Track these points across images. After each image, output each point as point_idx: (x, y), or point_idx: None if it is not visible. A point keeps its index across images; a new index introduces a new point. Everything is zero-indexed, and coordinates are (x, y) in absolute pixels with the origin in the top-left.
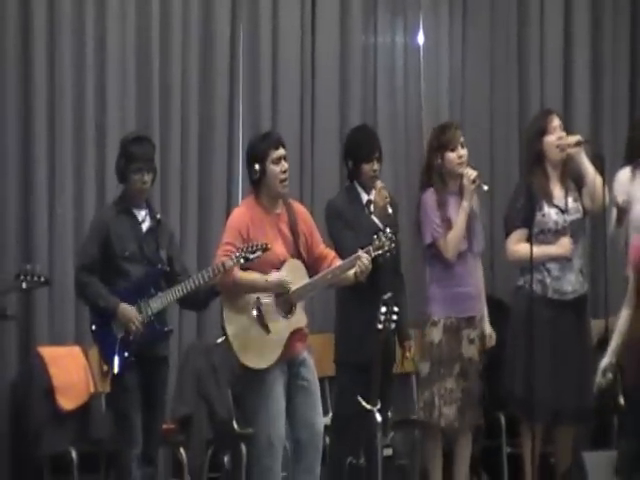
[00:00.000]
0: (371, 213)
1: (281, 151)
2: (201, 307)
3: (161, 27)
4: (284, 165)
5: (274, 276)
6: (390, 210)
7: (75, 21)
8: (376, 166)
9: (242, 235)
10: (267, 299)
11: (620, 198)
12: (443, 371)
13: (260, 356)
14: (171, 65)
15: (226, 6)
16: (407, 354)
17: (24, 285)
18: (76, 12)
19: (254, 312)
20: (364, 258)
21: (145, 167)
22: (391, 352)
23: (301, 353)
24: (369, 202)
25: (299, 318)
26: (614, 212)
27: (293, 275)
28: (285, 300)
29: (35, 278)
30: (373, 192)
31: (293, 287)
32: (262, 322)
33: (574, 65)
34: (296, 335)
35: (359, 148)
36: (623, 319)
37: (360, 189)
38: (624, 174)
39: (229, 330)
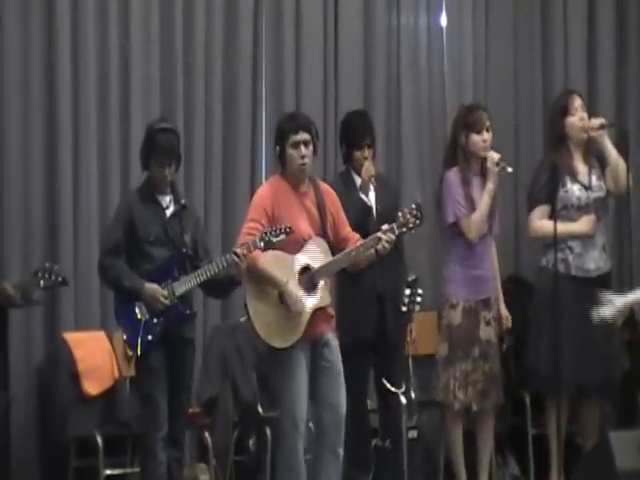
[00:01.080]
0: (360, 192)
1: (301, 136)
2: (223, 295)
3: (184, 12)
4: (302, 150)
5: (293, 290)
6: (374, 184)
7: (99, 6)
8: (367, 153)
9: (267, 212)
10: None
11: None
12: (461, 353)
13: (282, 335)
14: (195, 50)
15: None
16: (409, 337)
17: (42, 283)
18: None
19: (277, 293)
20: (386, 236)
21: (167, 160)
22: (406, 333)
23: (325, 334)
24: (361, 185)
25: (322, 296)
26: None
27: (317, 253)
28: (309, 278)
29: (53, 277)
30: (363, 171)
31: (317, 265)
32: (283, 301)
33: (598, 45)
34: (320, 315)
35: (351, 135)
36: None
37: (354, 173)
38: None
39: (251, 309)
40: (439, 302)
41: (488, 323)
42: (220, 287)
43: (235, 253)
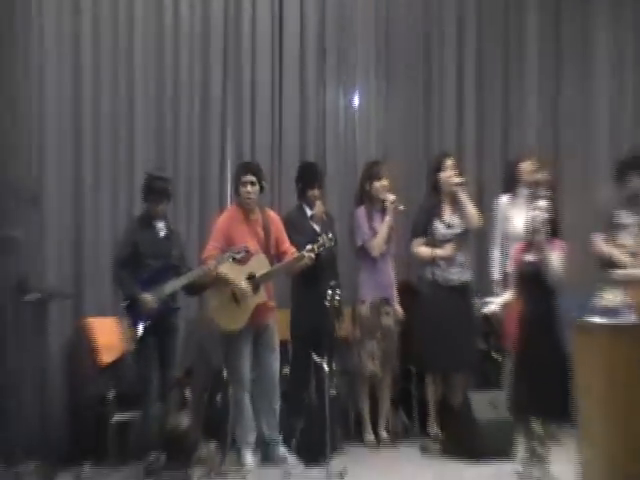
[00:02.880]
0: (311, 221)
1: (248, 177)
2: (197, 294)
3: (151, 71)
4: (248, 188)
5: (244, 286)
6: (325, 218)
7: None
8: (317, 192)
9: (225, 235)
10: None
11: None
12: (368, 336)
13: (232, 322)
14: (180, 117)
15: (218, 70)
16: (342, 324)
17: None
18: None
19: (230, 292)
20: (310, 252)
21: (160, 199)
22: (333, 322)
23: (266, 320)
24: (312, 215)
25: (262, 295)
26: (498, 228)
27: (258, 265)
28: (254, 282)
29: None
30: (314, 208)
31: (259, 274)
32: (235, 297)
33: (465, 118)
34: (262, 307)
35: (305, 178)
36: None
37: (306, 206)
38: (503, 200)
39: (211, 304)
40: (353, 300)
41: (388, 314)
42: (195, 289)
43: (209, 266)
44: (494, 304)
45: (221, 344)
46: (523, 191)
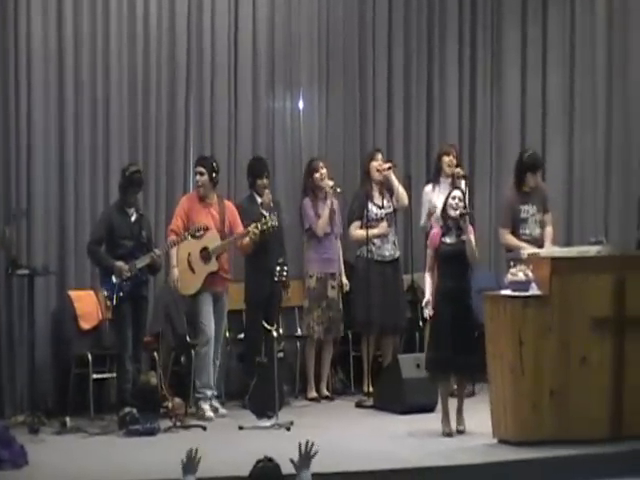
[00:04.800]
0: (261, 208)
1: (198, 169)
2: (156, 273)
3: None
4: (197, 177)
5: (175, 274)
6: (272, 205)
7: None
8: (265, 181)
9: (182, 218)
10: (195, 255)
11: (429, 205)
12: (315, 305)
13: (190, 286)
14: (150, 114)
15: (182, 78)
16: (288, 295)
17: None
18: None
19: (186, 262)
20: (254, 228)
21: (138, 190)
22: (281, 294)
23: (218, 290)
24: (261, 203)
25: (213, 264)
26: (425, 211)
27: (211, 240)
28: (206, 254)
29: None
30: (263, 197)
31: (211, 247)
32: (191, 267)
33: (394, 119)
34: (216, 277)
35: (255, 170)
36: (428, 278)
37: (256, 195)
38: (428, 188)
39: (174, 273)
40: (303, 273)
41: (333, 287)
42: (156, 268)
43: (173, 241)
44: (429, 304)
45: (187, 308)
46: (444, 181)
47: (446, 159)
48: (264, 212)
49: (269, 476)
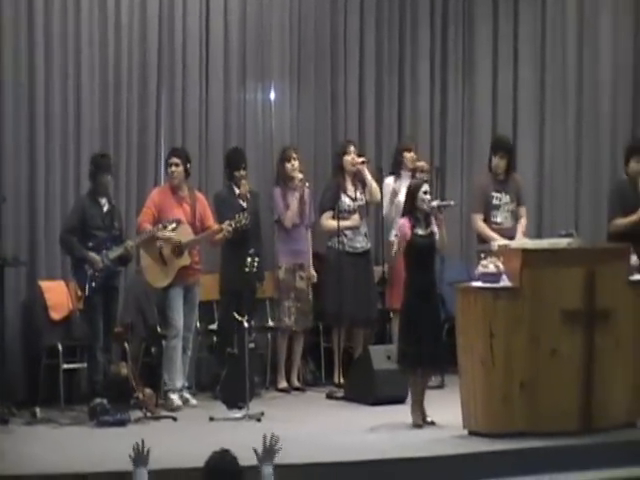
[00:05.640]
0: (239, 199)
1: (173, 160)
2: (127, 264)
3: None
4: (172, 168)
5: (166, 235)
6: (249, 196)
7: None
8: (242, 172)
9: (155, 205)
10: (166, 248)
11: (391, 193)
12: (285, 296)
13: (161, 279)
14: (123, 110)
15: (153, 70)
16: (262, 286)
17: None
18: None
19: (158, 254)
20: (228, 227)
21: (106, 172)
22: (254, 285)
23: (192, 282)
24: (239, 194)
25: (186, 258)
26: (387, 201)
27: (183, 234)
28: (178, 248)
29: None
30: (241, 188)
31: (184, 241)
32: (163, 260)
33: (365, 111)
34: (188, 270)
35: (233, 161)
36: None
37: (234, 186)
38: (389, 180)
39: (143, 264)
40: (273, 265)
41: (302, 278)
42: (128, 259)
43: (151, 233)
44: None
45: (158, 299)
46: (404, 174)
47: (408, 155)
48: (242, 203)
49: (225, 469)
